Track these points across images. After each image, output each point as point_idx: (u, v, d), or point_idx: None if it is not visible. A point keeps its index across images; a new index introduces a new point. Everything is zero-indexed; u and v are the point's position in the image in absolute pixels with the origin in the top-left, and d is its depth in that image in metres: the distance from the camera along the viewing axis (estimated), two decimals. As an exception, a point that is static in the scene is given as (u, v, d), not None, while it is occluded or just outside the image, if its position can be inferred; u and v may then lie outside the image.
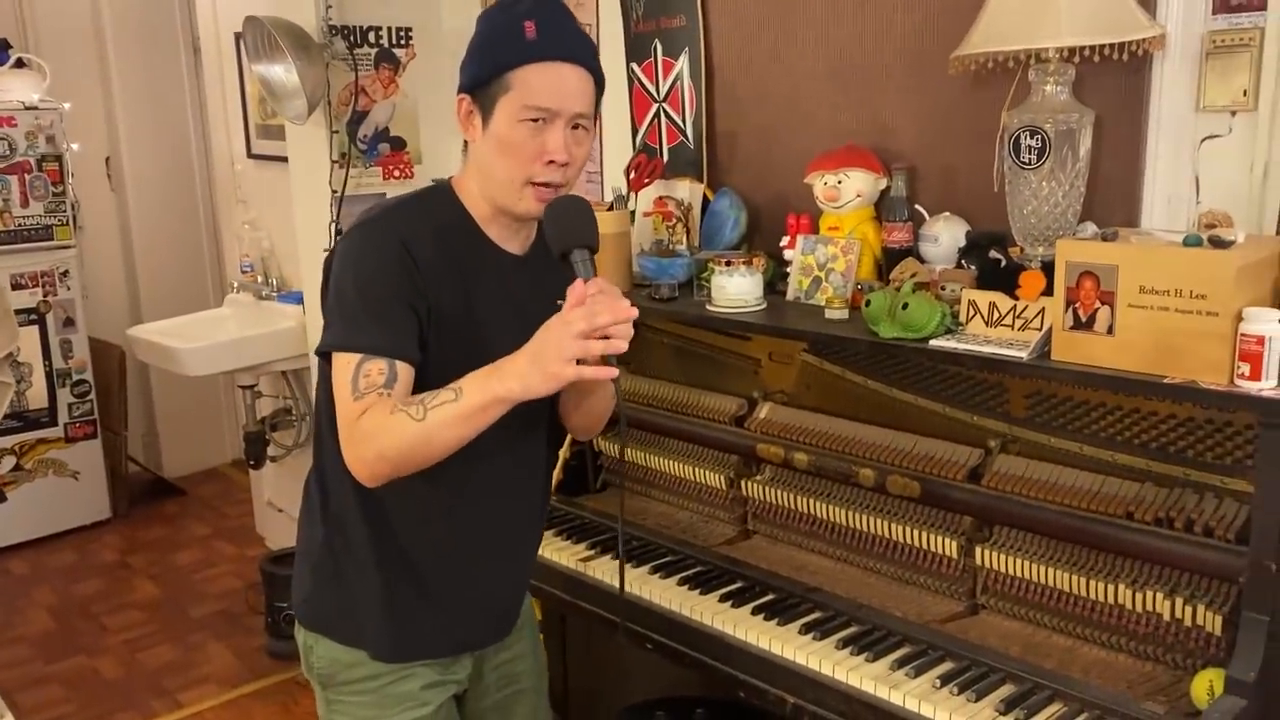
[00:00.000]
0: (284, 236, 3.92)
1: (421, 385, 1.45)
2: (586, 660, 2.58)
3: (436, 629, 1.63)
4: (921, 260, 2.09)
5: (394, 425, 1.38)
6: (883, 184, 2.21)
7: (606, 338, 1.32)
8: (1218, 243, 1.55)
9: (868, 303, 1.89)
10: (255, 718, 3.26)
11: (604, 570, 2.14)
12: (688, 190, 2.55)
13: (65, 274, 4.52)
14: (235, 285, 4.24)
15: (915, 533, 1.94)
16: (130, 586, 4.16)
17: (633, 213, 2.58)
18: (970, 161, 2.07)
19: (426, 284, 1.47)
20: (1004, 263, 1.88)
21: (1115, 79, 1.88)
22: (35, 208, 4.41)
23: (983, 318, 1.80)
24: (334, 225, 3.26)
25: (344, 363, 1.44)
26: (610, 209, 2.46)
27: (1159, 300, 1.56)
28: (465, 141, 1.58)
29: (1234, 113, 1.79)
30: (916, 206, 2.16)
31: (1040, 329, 1.72)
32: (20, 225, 4.37)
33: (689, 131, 2.64)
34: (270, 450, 4.06)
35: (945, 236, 2.07)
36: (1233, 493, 1.61)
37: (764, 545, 2.20)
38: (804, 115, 2.40)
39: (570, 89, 1.48)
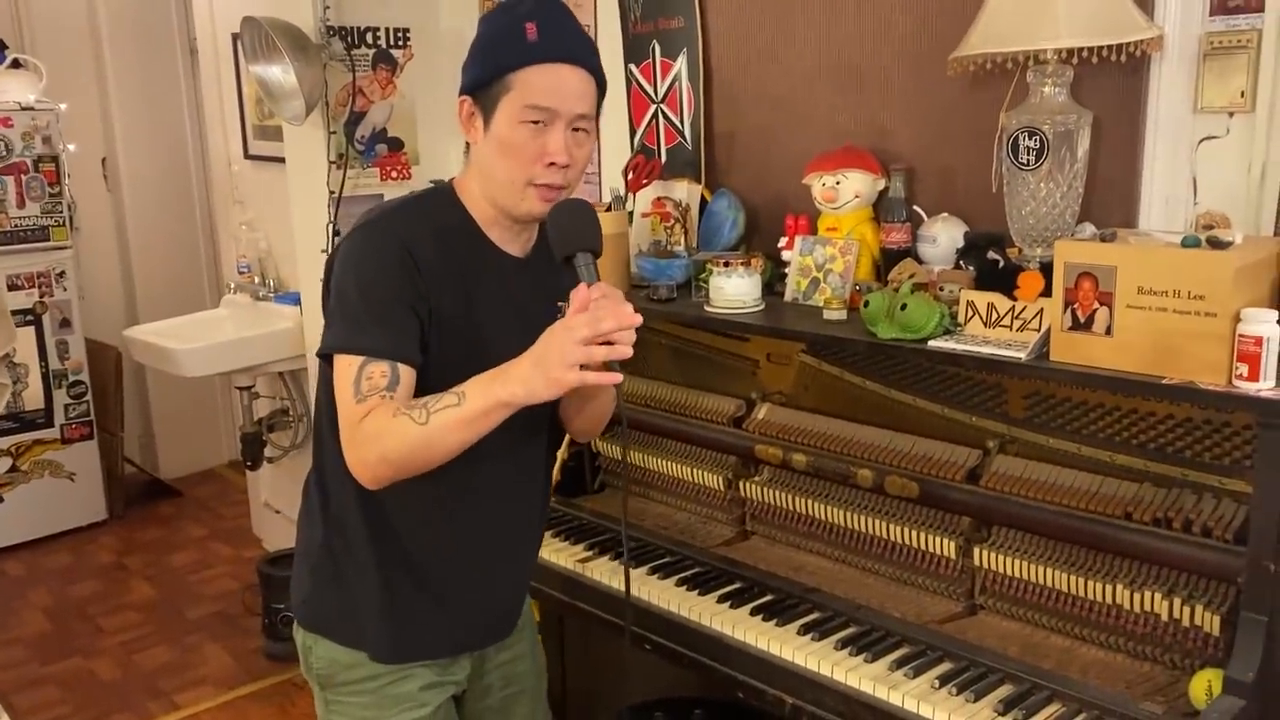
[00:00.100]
0: (281, 237, 3.92)
1: (422, 387, 1.45)
2: (585, 661, 2.58)
3: (436, 630, 1.63)
4: (920, 261, 2.10)
5: (397, 428, 1.38)
6: (881, 185, 2.21)
7: (610, 343, 1.32)
8: (1216, 243, 1.55)
9: (866, 303, 1.89)
10: (252, 719, 3.25)
11: (602, 571, 2.14)
12: (686, 191, 2.56)
13: (61, 275, 4.51)
14: (232, 286, 4.23)
15: (913, 533, 1.94)
16: (126, 588, 4.16)
17: (631, 214, 2.58)
18: (968, 162, 2.08)
19: (428, 286, 1.46)
20: (1002, 263, 1.88)
21: (1113, 80, 1.88)
22: (31, 208, 4.40)
23: (981, 318, 1.80)
24: (331, 226, 3.26)
25: (346, 365, 1.43)
26: (608, 210, 2.46)
27: (1157, 301, 1.56)
28: (467, 143, 1.58)
29: (1231, 114, 1.79)
30: (915, 207, 2.16)
31: (1039, 330, 1.73)
32: (16, 226, 4.37)
33: (687, 132, 2.64)
34: (267, 451, 4.05)
35: (943, 237, 2.07)
36: (1231, 493, 1.61)
37: (762, 546, 2.20)
38: (802, 116, 2.40)
39: (571, 90, 1.48)
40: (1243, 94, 1.76)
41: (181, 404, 5.17)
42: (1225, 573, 1.58)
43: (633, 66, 2.74)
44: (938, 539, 1.91)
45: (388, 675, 1.61)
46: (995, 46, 1.84)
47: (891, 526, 1.97)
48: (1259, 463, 1.50)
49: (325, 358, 1.50)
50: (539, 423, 1.63)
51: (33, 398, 4.50)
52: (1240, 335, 1.50)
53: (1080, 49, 1.77)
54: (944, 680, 1.67)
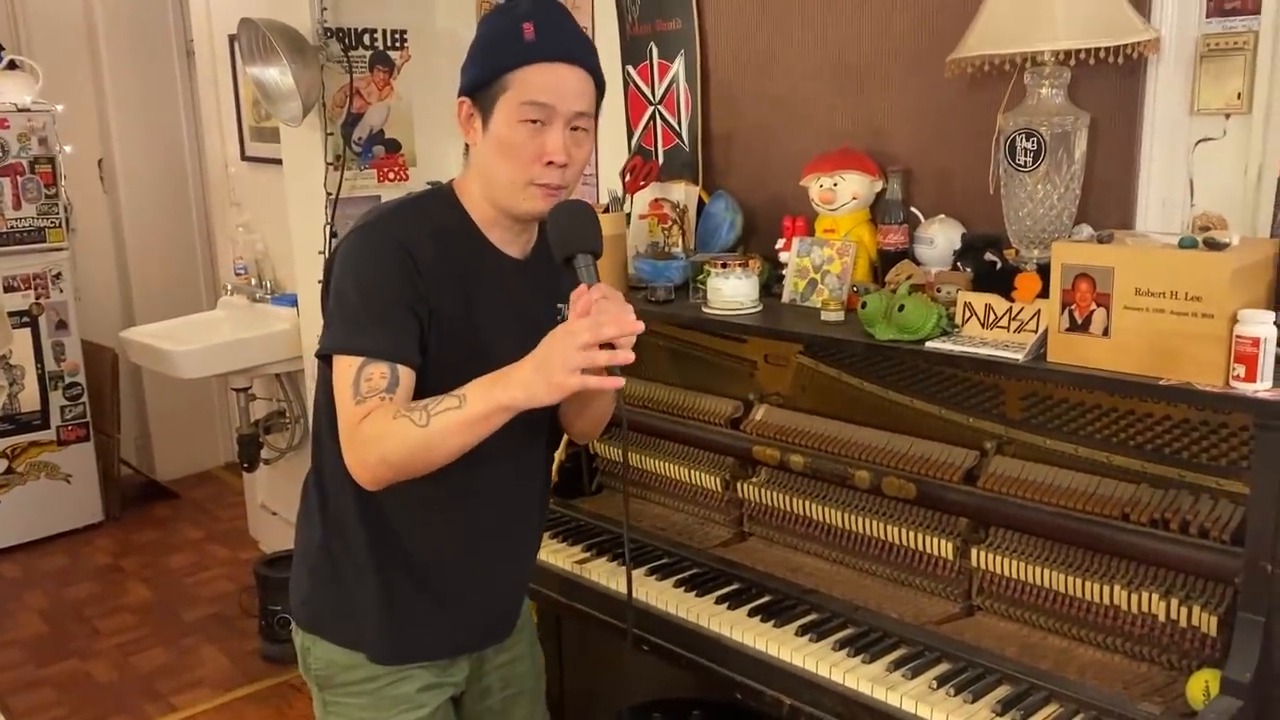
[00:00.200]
0: (278, 239, 3.92)
1: (421, 389, 1.45)
2: (582, 662, 2.58)
3: (435, 631, 1.63)
4: (917, 262, 2.10)
5: (397, 430, 1.38)
6: (878, 186, 2.21)
7: (611, 347, 1.32)
8: (1213, 245, 1.56)
9: (864, 305, 1.90)
10: (249, 721, 3.25)
11: (600, 572, 2.14)
12: (683, 193, 2.56)
13: (58, 276, 4.51)
14: (229, 288, 4.23)
15: (911, 534, 1.94)
16: (123, 590, 4.15)
17: (628, 215, 2.58)
18: (966, 164, 2.08)
19: (427, 287, 1.46)
20: (999, 265, 1.88)
21: (1110, 82, 1.89)
22: (28, 210, 4.39)
23: (979, 320, 1.81)
24: (328, 228, 3.26)
25: (345, 366, 1.43)
26: (606, 211, 2.47)
27: (1154, 302, 1.57)
28: (466, 145, 1.58)
29: (1228, 115, 1.80)
30: (912, 209, 2.17)
31: (1036, 331, 1.73)
32: (12, 227, 4.36)
33: (684, 134, 2.64)
34: (264, 453, 4.05)
35: (941, 239, 2.07)
36: (1228, 494, 1.61)
37: (760, 547, 2.20)
38: (799, 118, 2.41)
39: (569, 88, 1.48)
40: (1239, 96, 1.77)
41: (178, 406, 5.16)
42: (1222, 573, 1.58)
43: (630, 68, 2.74)
44: (935, 540, 1.91)
45: (386, 676, 1.61)
46: (993, 48, 1.85)
47: (889, 527, 1.97)
48: (1256, 463, 1.50)
49: (324, 359, 1.50)
50: (539, 424, 1.63)
51: (29, 399, 4.49)
52: (1237, 336, 1.50)
53: (1077, 51, 1.78)
54: (942, 681, 1.67)
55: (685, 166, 2.63)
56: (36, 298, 4.46)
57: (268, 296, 4.02)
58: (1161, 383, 1.57)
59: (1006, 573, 1.81)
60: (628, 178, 2.58)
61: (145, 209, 5.06)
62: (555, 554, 2.22)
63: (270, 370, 3.88)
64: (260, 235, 4.14)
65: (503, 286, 1.55)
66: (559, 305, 1.48)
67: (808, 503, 2.10)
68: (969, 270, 1.93)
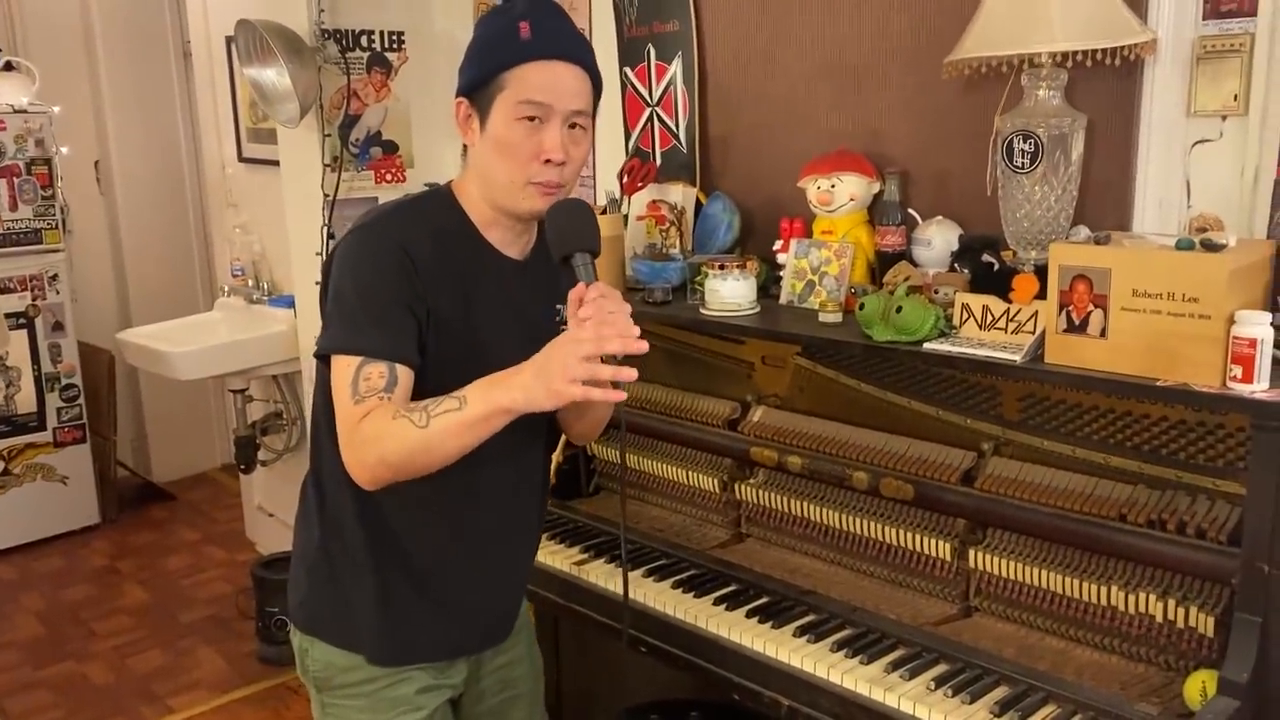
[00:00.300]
0: (275, 240, 3.92)
1: (420, 389, 1.45)
2: (580, 663, 2.58)
3: (433, 633, 1.63)
4: (915, 264, 2.10)
5: (396, 431, 1.38)
6: (876, 188, 2.22)
7: (614, 358, 1.32)
8: (1210, 246, 1.56)
9: (861, 306, 1.90)
10: (246, 723, 3.25)
11: (598, 574, 2.14)
12: (681, 194, 2.56)
13: (54, 278, 4.50)
14: (226, 289, 4.23)
15: (909, 535, 1.94)
16: (119, 592, 4.14)
17: (626, 216, 2.58)
18: (963, 165, 2.08)
19: (425, 287, 1.46)
20: (997, 266, 1.89)
21: (1107, 84, 1.89)
22: (24, 211, 4.39)
23: (976, 321, 1.81)
24: (326, 229, 3.25)
25: (344, 365, 1.43)
26: (603, 213, 2.47)
27: (1152, 303, 1.57)
28: (464, 146, 1.58)
29: (1224, 117, 1.80)
30: (909, 210, 2.17)
31: (1033, 332, 1.73)
32: (9, 229, 4.36)
33: (682, 135, 2.65)
34: (261, 455, 4.05)
35: (938, 240, 2.07)
36: (1225, 495, 1.62)
37: (758, 548, 2.20)
38: (797, 119, 2.41)
39: (566, 86, 1.48)
40: (1235, 97, 1.77)
41: (174, 407, 5.16)
42: (1219, 574, 1.59)
43: (628, 70, 2.74)
44: (933, 541, 1.91)
45: (384, 678, 1.61)
46: (990, 50, 1.85)
47: (887, 529, 1.98)
48: (1253, 464, 1.51)
49: (322, 359, 1.50)
50: (537, 426, 1.63)
51: (25, 401, 4.48)
52: (1234, 337, 1.51)
53: (1074, 52, 1.78)
54: (940, 682, 1.67)
55: (683, 168, 2.63)
56: (33, 299, 4.46)
57: (265, 298, 4.02)
58: (1159, 384, 1.57)
59: (1004, 574, 1.82)
60: (625, 179, 2.58)
61: (142, 210, 5.06)
62: (553, 555, 2.22)
63: (267, 372, 3.88)
64: (257, 237, 4.14)
65: (501, 287, 1.55)
66: (558, 306, 1.48)
67: (805, 504, 2.10)
68: (966, 271, 1.94)
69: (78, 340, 4.61)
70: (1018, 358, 1.71)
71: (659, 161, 2.68)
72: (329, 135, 3.26)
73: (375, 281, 1.45)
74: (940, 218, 2.11)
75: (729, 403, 2.28)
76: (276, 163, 3.56)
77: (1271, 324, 1.50)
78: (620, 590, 1.77)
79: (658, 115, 2.69)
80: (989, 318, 1.79)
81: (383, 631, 1.59)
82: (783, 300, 2.24)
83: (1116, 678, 1.67)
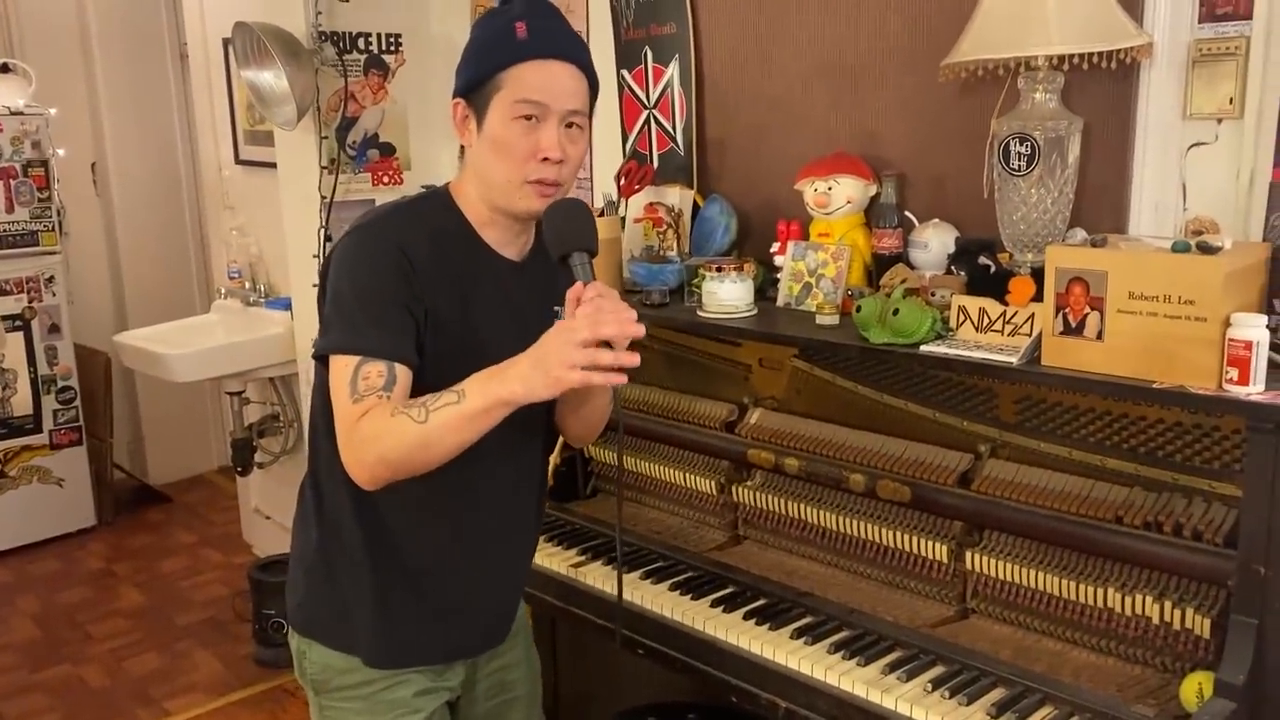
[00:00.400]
0: (272, 242, 3.91)
1: (418, 389, 1.44)
2: (578, 666, 2.58)
3: (430, 635, 1.63)
4: (911, 266, 2.11)
5: (395, 428, 1.38)
6: (873, 190, 2.22)
7: (610, 346, 1.32)
8: (1205, 249, 1.56)
9: (858, 308, 1.90)
10: (243, 726, 3.25)
11: (596, 576, 2.14)
12: (678, 196, 2.56)
13: (51, 280, 4.50)
14: (223, 291, 4.22)
15: (906, 537, 1.94)
16: (116, 594, 4.14)
17: (623, 219, 2.58)
18: (960, 168, 2.09)
19: (423, 288, 1.47)
20: (994, 269, 1.89)
21: (1103, 86, 1.90)
22: (20, 213, 4.38)
23: (973, 323, 1.81)
24: (323, 231, 3.25)
25: (342, 365, 1.43)
26: (601, 215, 2.47)
27: (1148, 306, 1.57)
28: (461, 147, 1.58)
29: (1220, 120, 1.81)
30: (906, 213, 2.17)
31: (1030, 335, 1.74)
32: (5, 231, 4.35)
33: (679, 138, 2.65)
34: (257, 457, 4.04)
35: (935, 243, 2.08)
36: (1221, 497, 1.62)
37: (755, 550, 2.21)
38: (794, 122, 2.41)
39: (562, 86, 1.48)
40: (1231, 100, 1.78)
41: (171, 409, 5.15)
42: (1215, 576, 1.59)
43: (625, 72, 2.74)
44: (930, 543, 1.91)
45: (382, 681, 1.61)
46: (987, 53, 1.85)
47: (884, 531, 1.98)
48: (1249, 466, 1.51)
49: (321, 359, 1.50)
50: (535, 425, 1.63)
51: (21, 403, 4.48)
52: (1230, 340, 1.51)
53: (1071, 56, 1.79)
54: (937, 684, 1.67)
55: (680, 170, 2.64)
56: (29, 301, 4.45)
57: (262, 300, 4.02)
58: (1155, 386, 1.57)
59: (1001, 576, 1.82)
60: (623, 181, 2.58)
61: (139, 213, 5.05)
62: (550, 558, 2.22)
63: (264, 374, 3.88)
64: (254, 239, 4.13)
65: (499, 287, 1.56)
66: (555, 308, 1.48)
67: (803, 506, 2.10)
68: (963, 274, 1.94)
69: (74, 342, 4.60)
70: (1014, 360, 1.71)
71: (656, 164, 2.69)
72: (326, 137, 3.26)
73: (373, 282, 1.46)
74: (937, 220, 2.12)
75: (726, 405, 2.28)
76: (273, 165, 3.55)
77: (1267, 326, 1.51)
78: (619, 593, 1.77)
79: (655, 118, 2.70)
80: (986, 320, 1.80)
81: (380, 634, 1.59)
82: (780, 302, 2.25)
83: (1113, 679, 1.67)
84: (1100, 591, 1.70)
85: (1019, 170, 1.83)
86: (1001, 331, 1.78)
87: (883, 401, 2.03)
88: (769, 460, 2.15)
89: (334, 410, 1.45)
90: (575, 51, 1.52)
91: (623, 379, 1.34)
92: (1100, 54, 1.78)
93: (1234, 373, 1.51)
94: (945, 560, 1.90)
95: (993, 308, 1.79)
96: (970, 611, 1.89)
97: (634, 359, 1.33)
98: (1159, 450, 1.69)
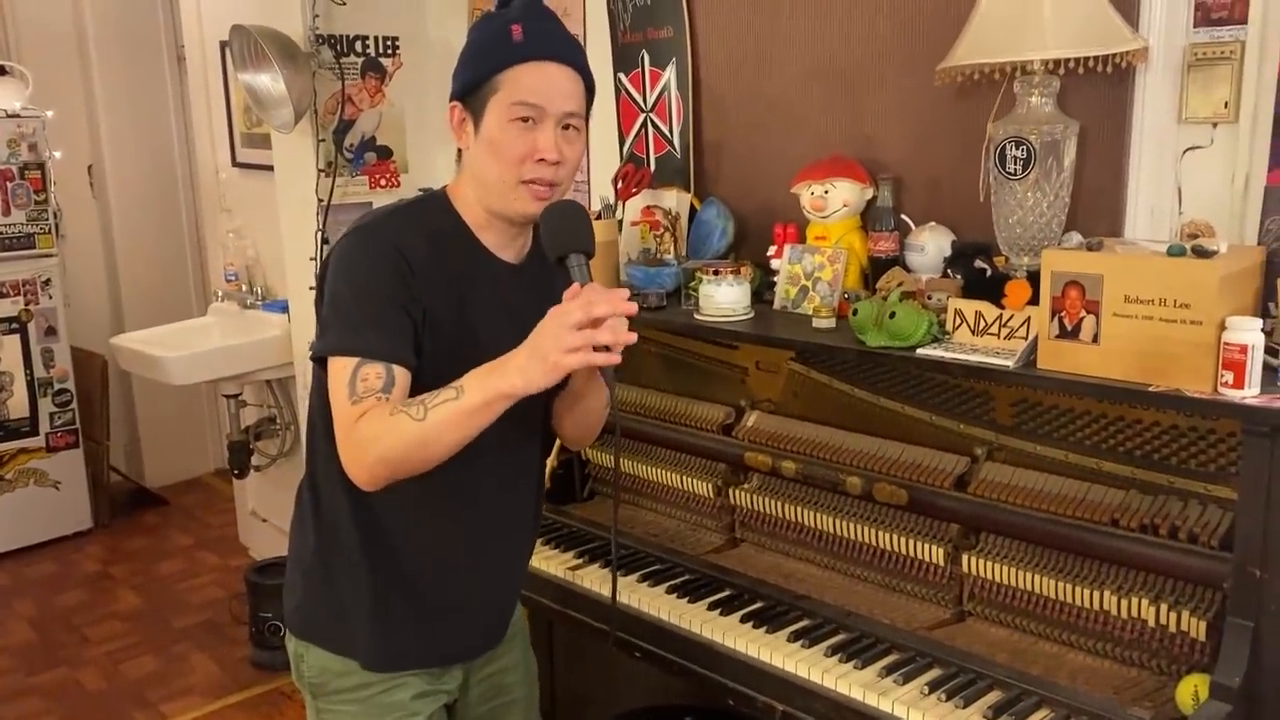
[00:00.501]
0: (269, 245, 3.91)
1: (416, 391, 1.44)
2: (575, 669, 2.57)
3: (428, 638, 1.63)
4: (908, 270, 2.11)
5: (394, 427, 1.38)
6: (869, 194, 2.22)
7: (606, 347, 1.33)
8: (1201, 252, 1.57)
9: (855, 312, 1.90)
10: (239, 729, 3.24)
11: (593, 579, 2.14)
12: (675, 199, 2.56)
13: (47, 282, 4.50)
14: (219, 294, 4.22)
15: (902, 540, 1.95)
16: (112, 597, 4.13)
17: (620, 222, 2.58)
18: (956, 172, 2.09)
19: (421, 289, 1.47)
20: (990, 272, 1.90)
21: (1099, 91, 1.90)
22: (17, 216, 4.38)
23: (969, 327, 1.82)
24: (320, 234, 3.25)
25: (340, 366, 1.43)
26: (598, 218, 2.47)
27: (1144, 309, 1.58)
28: (459, 150, 1.58)
29: (1215, 124, 1.81)
30: (902, 216, 2.18)
31: (1026, 338, 1.74)
32: (2, 234, 4.35)
33: (676, 141, 2.65)
34: (254, 460, 4.04)
35: (931, 246, 2.08)
36: (1217, 499, 1.63)
37: (752, 553, 2.21)
38: (791, 125, 2.42)
39: (559, 88, 1.49)
40: (1226, 104, 1.78)
41: (168, 412, 5.15)
42: (1211, 578, 1.59)
43: (622, 75, 2.75)
44: (926, 546, 1.92)
45: (379, 684, 1.61)
46: (982, 57, 1.86)
47: (880, 533, 1.98)
48: (1244, 469, 1.51)
49: (319, 361, 1.50)
50: (533, 423, 1.63)
51: (18, 406, 4.47)
52: (1225, 343, 1.51)
53: (1067, 60, 1.79)
54: (933, 686, 1.67)
55: (677, 173, 2.64)
56: (26, 304, 4.45)
57: (258, 303, 4.02)
58: (1150, 389, 1.58)
59: (997, 578, 1.82)
60: (620, 185, 2.58)
61: (135, 215, 5.05)
62: (548, 561, 2.22)
63: (261, 376, 3.88)
64: (251, 241, 4.13)
65: (496, 289, 1.56)
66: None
67: (799, 509, 2.10)
68: (959, 277, 1.95)
69: (70, 345, 4.60)
70: (1010, 363, 1.71)
71: (653, 167, 2.69)
72: (323, 140, 3.26)
73: (371, 283, 1.46)
74: (933, 224, 2.12)
75: (723, 408, 2.28)
76: (270, 168, 3.55)
77: (1262, 330, 1.51)
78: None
79: (652, 121, 2.70)
80: (982, 323, 1.80)
81: (378, 636, 1.59)
82: (776, 305, 2.25)
83: (1109, 682, 1.68)
84: (1096, 594, 1.70)
85: (1015, 174, 1.84)
86: (997, 335, 1.78)
87: (879, 404, 2.04)
88: (766, 463, 2.15)
89: (332, 412, 1.45)
90: (571, 54, 1.52)
91: (618, 359, 1.34)
92: (1096, 58, 1.79)
93: (1229, 376, 1.51)
94: (942, 563, 1.90)
95: (989, 311, 1.79)
96: (967, 614, 1.89)
97: (630, 336, 1.33)
98: (1155, 453, 1.69)
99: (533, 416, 1.59)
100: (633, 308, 1.34)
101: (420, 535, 1.59)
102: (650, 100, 2.69)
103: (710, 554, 2.21)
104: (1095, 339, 1.63)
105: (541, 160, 1.48)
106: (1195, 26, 1.80)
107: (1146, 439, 1.70)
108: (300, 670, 1.66)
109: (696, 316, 2.19)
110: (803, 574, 2.10)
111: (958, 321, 1.83)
